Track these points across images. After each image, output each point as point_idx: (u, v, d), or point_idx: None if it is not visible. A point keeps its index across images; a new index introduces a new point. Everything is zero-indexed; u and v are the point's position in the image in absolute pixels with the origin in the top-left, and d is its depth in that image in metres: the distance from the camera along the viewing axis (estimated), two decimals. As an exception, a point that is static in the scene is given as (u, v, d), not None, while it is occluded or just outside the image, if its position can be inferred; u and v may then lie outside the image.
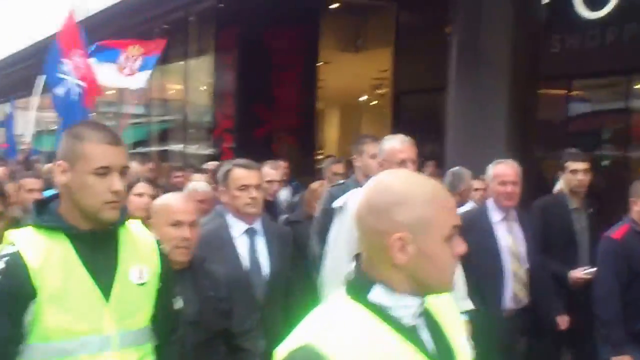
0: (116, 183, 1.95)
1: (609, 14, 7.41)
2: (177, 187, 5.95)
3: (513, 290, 4.16)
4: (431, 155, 8.77)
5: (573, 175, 4.76)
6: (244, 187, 3.40)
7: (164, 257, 2.15)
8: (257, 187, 3.44)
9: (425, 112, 11.22)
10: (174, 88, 15.30)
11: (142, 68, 9.74)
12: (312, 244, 4.55)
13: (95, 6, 13.75)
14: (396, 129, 11.72)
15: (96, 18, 13.35)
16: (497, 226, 4.23)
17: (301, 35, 12.00)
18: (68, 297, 1.91)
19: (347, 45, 13.03)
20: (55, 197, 2.08)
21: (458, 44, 8.06)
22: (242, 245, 3.45)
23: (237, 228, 3.47)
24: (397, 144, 3.58)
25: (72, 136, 2.00)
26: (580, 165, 4.78)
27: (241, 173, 3.44)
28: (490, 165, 4.31)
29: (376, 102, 15.00)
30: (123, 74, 9.84)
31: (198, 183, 5.27)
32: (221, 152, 12.24)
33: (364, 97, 15.89)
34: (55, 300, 1.89)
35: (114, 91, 15.76)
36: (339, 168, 6.07)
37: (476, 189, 5.93)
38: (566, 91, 9.37)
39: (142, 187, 4.08)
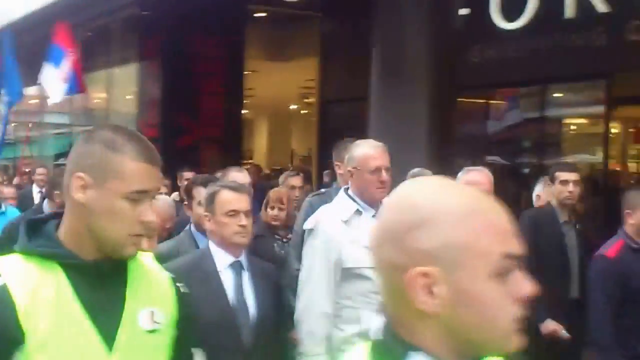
0: (149, 212, 1.57)
1: (524, 25, 7.66)
2: None
3: None
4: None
5: (563, 186, 4.52)
6: (233, 213, 2.96)
7: (182, 298, 1.73)
8: (247, 213, 3.00)
9: (351, 121, 11.30)
10: (97, 97, 14.97)
11: (69, 83, 9.39)
12: (289, 260, 4.21)
13: (18, 12, 13.38)
14: (323, 137, 11.81)
15: (19, 24, 12.99)
16: None
17: (226, 44, 11.94)
18: (61, 344, 1.52)
19: (274, 55, 13.05)
20: (49, 217, 1.66)
21: (379, 54, 8.17)
22: (227, 281, 2.99)
23: (221, 260, 3.00)
24: (370, 149, 3.30)
25: (103, 144, 1.56)
26: (571, 176, 4.56)
27: (230, 196, 3.00)
28: (460, 174, 4.00)
29: (304, 110, 15.08)
30: (62, 80, 9.45)
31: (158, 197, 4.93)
32: (146, 162, 12.01)
33: (293, 106, 15.96)
34: (45, 348, 1.50)
35: (37, 100, 15.33)
36: (297, 181, 5.84)
37: None
38: (486, 100, 9.60)
39: None
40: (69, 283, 1.54)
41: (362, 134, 9.02)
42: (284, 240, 4.63)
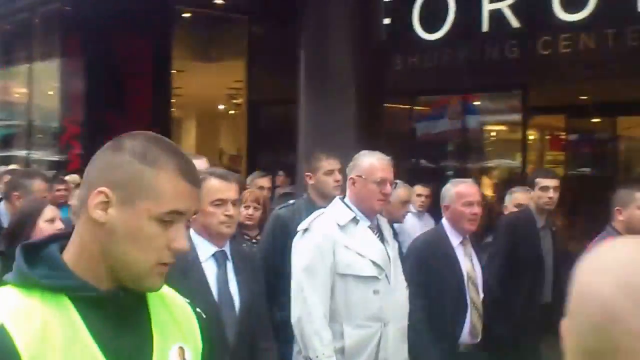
0: (181, 238, 1.31)
1: (444, 36, 7.90)
2: (60, 203, 5.33)
3: (472, 321, 3.70)
4: (286, 165, 8.94)
5: (544, 192, 4.54)
6: (220, 202, 2.79)
7: (204, 326, 1.48)
8: (235, 202, 2.86)
9: (280, 123, 11.37)
10: (18, 91, 14.53)
11: None
12: None
13: None
14: (252, 138, 11.84)
15: None
16: (457, 251, 3.79)
17: (153, 43, 11.78)
18: None
19: (202, 55, 12.96)
20: (50, 239, 1.34)
21: (306, 59, 8.25)
22: (209, 273, 2.82)
23: (203, 250, 2.83)
24: (377, 161, 3.26)
25: (134, 155, 1.29)
26: (552, 182, 4.58)
27: (217, 185, 2.83)
28: (448, 185, 3.91)
29: (233, 111, 15.05)
30: None
31: None
32: (69, 159, 11.80)
33: (221, 107, 15.90)
34: None
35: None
36: (265, 182, 5.72)
37: (418, 195, 5.79)
38: (410, 106, 9.83)
39: (52, 211, 3.36)
40: (83, 322, 1.22)
41: (291, 136, 9.14)
42: (254, 240, 4.51)
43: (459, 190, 3.79)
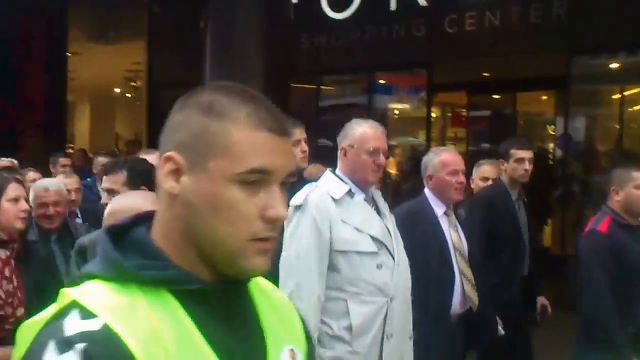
0: (276, 204, 1.05)
1: (352, 15, 7.98)
2: None
3: (462, 291, 3.59)
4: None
5: (519, 164, 4.39)
6: None
7: (304, 324, 1.28)
8: None
9: (183, 105, 11.15)
10: None
11: None
12: None
13: None
14: (152, 121, 11.54)
15: None
16: (441, 221, 3.65)
17: (47, 25, 11.26)
18: None
19: (98, 37, 12.49)
20: (134, 221, 1.12)
21: (212, 40, 8.12)
22: None
23: None
24: (369, 129, 3.04)
25: (202, 109, 1.05)
26: (527, 154, 4.42)
27: None
28: (430, 154, 3.74)
29: (130, 94, 14.63)
30: None
31: (48, 180, 4.18)
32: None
33: (118, 90, 15.44)
34: None
35: None
36: None
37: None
38: (316, 85, 9.89)
39: (15, 189, 3.11)
40: (191, 320, 1.03)
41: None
42: None
43: (443, 159, 3.63)
